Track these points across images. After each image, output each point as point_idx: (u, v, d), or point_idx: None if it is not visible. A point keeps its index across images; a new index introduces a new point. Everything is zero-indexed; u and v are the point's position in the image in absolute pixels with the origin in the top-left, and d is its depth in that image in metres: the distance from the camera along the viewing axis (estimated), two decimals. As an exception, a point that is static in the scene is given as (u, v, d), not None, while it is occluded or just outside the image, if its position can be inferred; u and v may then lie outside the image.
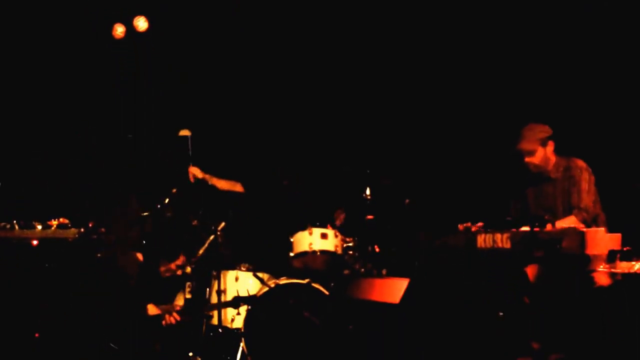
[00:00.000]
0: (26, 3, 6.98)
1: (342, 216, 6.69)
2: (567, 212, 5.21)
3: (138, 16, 7.19)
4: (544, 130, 5.35)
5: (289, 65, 7.43)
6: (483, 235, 4.60)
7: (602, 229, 4.46)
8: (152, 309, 5.24)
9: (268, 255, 6.41)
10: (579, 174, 5.26)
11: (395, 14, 7.00)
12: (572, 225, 4.77)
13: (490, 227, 4.63)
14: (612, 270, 4.26)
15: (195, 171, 6.32)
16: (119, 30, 7.18)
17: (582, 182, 5.23)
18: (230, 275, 5.99)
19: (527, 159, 5.35)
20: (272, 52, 7.41)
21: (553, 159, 5.39)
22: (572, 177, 5.27)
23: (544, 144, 5.32)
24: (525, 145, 5.33)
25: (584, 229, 4.32)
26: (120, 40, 7.18)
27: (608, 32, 5.99)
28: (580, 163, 5.31)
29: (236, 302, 5.46)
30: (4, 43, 6.91)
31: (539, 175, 5.40)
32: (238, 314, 5.73)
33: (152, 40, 7.27)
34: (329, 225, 6.20)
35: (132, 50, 7.21)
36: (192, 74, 7.48)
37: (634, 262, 4.16)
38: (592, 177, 5.28)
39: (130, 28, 7.19)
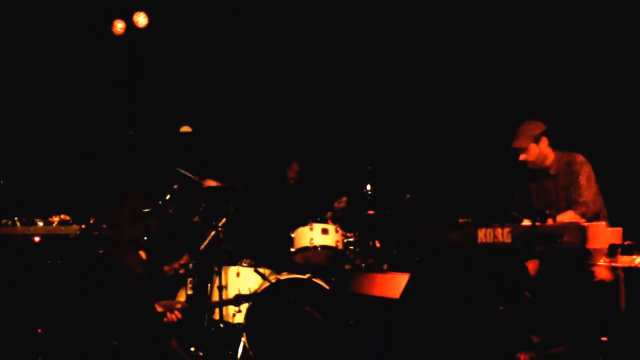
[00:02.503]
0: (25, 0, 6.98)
1: (345, 199, 6.70)
2: (568, 208, 5.22)
3: (138, 12, 7.18)
4: (537, 127, 5.39)
5: (290, 62, 7.42)
6: (484, 230, 4.60)
7: (603, 223, 4.48)
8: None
9: (269, 250, 6.42)
10: (578, 169, 5.27)
11: (394, 12, 7.00)
12: (572, 220, 4.78)
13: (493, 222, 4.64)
14: (613, 264, 4.28)
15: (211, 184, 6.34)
16: (119, 26, 7.17)
17: (581, 177, 5.24)
18: (231, 271, 5.98)
19: (521, 157, 5.39)
20: (273, 49, 7.41)
21: (551, 154, 5.41)
22: (572, 173, 5.29)
23: (536, 140, 5.36)
24: (518, 143, 5.39)
25: (586, 224, 4.33)
26: (120, 37, 7.17)
27: (604, 29, 5.99)
28: (580, 158, 5.32)
29: (238, 300, 5.46)
30: (3, 41, 6.89)
31: (540, 172, 5.42)
32: (239, 311, 5.73)
33: (152, 36, 7.26)
34: (329, 221, 6.21)
35: (132, 47, 7.20)
36: (193, 71, 7.47)
37: (634, 256, 4.18)
38: (592, 172, 5.29)
39: (130, 24, 7.18)
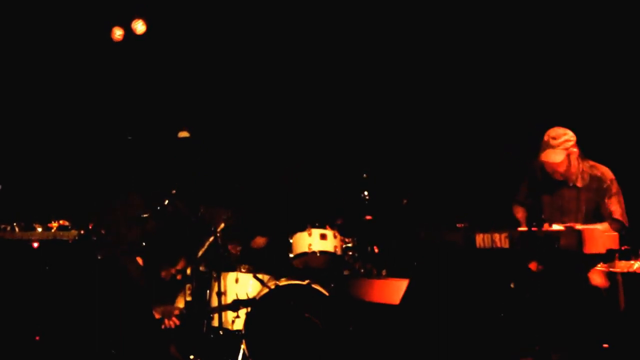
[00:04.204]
0: (26, 6, 7.01)
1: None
2: (588, 220, 4.97)
3: (136, 19, 7.21)
4: (570, 137, 5.03)
5: (286, 67, 7.44)
6: (482, 235, 4.60)
7: (599, 227, 4.47)
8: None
9: (268, 256, 6.43)
10: (610, 186, 5.03)
11: (394, 14, 7.01)
12: (606, 231, 4.66)
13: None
14: (611, 269, 4.27)
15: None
16: (118, 33, 7.20)
17: (615, 197, 5.02)
18: (230, 277, 5.97)
19: (558, 170, 5.06)
20: (270, 54, 7.42)
21: (576, 164, 5.09)
22: (601, 190, 5.04)
23: (571, 152, 5.03)
24: (553, 157, 5.02)
25: (581, 228, 4.31)
26: (119, 43, 7.21)
27: (607, 28, 5.99)
28: (610, 174, 5.08)
29: (235, 305, 5.46)
30: (4, 45, 6.93)
31: (560, 180, 5.15)
32: (237, 317, 5.73)
33: (150, 43, 7.29)
34: (327, 226, 6.21)
35: (131, 53, 7.24)
36: (190, 77, 7.49)
37: (632, 261, 4.17)
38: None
39: (128, 31, 7.21)
